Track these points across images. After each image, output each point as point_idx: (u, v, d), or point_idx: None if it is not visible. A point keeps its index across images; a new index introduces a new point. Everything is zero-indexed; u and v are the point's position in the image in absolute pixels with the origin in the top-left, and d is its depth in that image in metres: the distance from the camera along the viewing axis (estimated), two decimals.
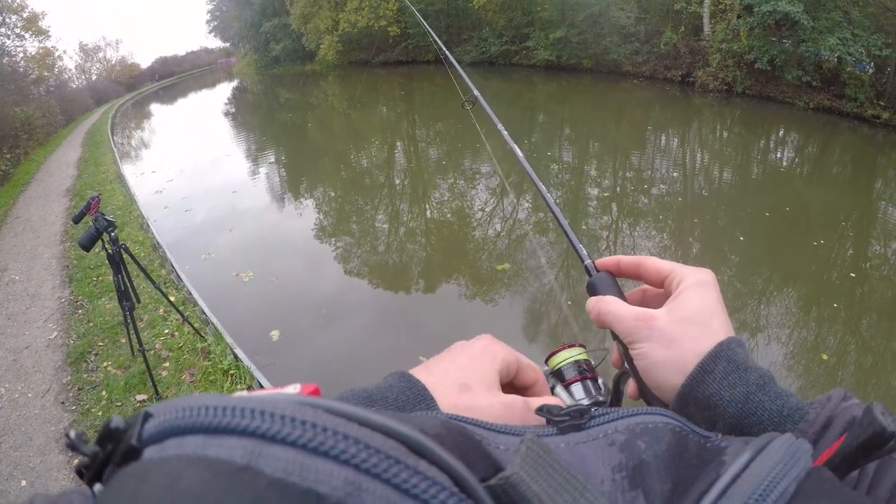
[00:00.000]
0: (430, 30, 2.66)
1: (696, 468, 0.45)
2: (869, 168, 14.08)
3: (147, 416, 0.28)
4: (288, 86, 35.19)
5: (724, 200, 11.32)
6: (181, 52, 76.05)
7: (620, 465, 0.46)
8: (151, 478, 0.24)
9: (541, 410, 0.53)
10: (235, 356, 5.34)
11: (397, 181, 13.09)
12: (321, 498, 0.24)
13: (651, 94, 22.25)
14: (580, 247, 0.82)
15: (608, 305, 0.67)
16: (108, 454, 0.28)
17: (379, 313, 7.03)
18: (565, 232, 0.88)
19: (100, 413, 4.70)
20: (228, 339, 5.60)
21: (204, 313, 6.26)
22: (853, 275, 7.95)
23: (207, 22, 63.87)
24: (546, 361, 0.76)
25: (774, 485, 0.37)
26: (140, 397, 4.85)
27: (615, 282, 0.73)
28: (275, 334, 6.15)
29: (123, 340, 5.65)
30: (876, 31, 16.64)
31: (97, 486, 0.29)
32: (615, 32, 24.70)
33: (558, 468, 0.35)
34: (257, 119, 25.30)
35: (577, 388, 0.72)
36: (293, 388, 0.34)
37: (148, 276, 4.82)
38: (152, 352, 5.42)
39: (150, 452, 0.26)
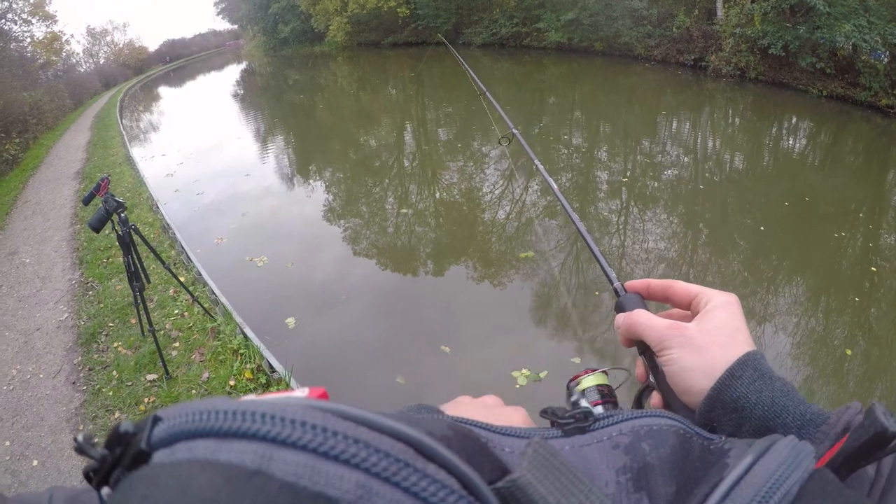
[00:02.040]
0: (467, 68, 2.61)
1: (700, 470, 0.46)
2: (882, 158, 13.96)
3: (156, 420, 0.28)
4: (297, 67, 35.09)
5: (734, 187, 11.27)
6: (189, 35, 76.04)
7: (625, 468, 0.47)
8: (162, 482, 0.24)
9: (545, 412, 0.54)
10: (245, 336, 5.36)
11: (408, 164, 13.08)
12: (332, 502, 0.24)
13: (663, 78, 22.04)
14: (610, 270, 0.87)
15: (640, 317, 0.69)
16: (116, 458, 0.28)
17: (399, 301, 6.91)
18: (596, 257, 0.95)
19: (110, 393, 4.73)
20: (238, 319, 5.62)
21: (214, 294, 6.29)
22: (874, 269, 7.86)
23: (215, 4, 63.43)
24: (568, 385, 0.77)
25: (777, 487, 0.38)
26: (150, 377, 4.88)
27: (643, 302, 0.75)
28: (290, 321, 6.10)
29: (133, 321, 5.69)
30: (893, 19, 16.35)
31: (105, 490, 0.29)
32: (627, 15, 24.43)
33: (565, 470, 0.35)
34: (266, 101, 25.25)
35: (599, 412, 0.72)
36: (301, 392, 0.34)
37: (158, 257, 4.82)
38: (162, 332, 5.46)
39: (159, 456, 0.27)
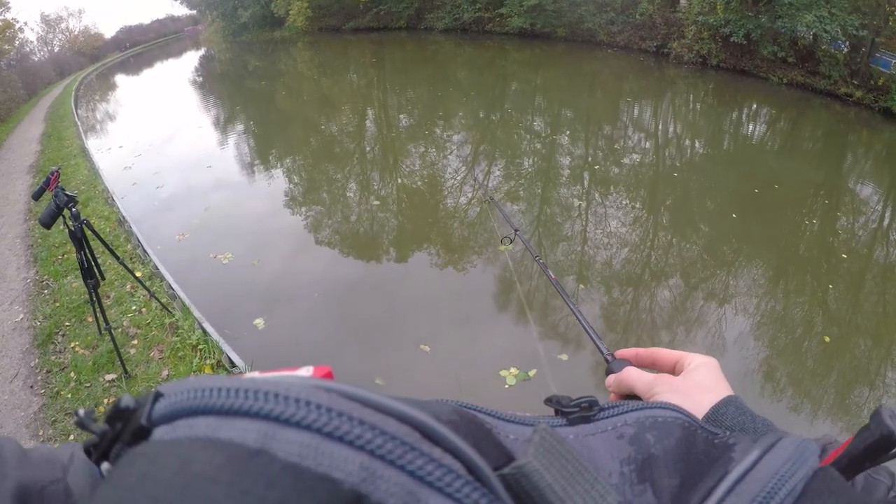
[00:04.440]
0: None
1: (705, 464, 0.45)
2: (840, 144, 14.30)
3: (158, 396, 0.28)
4: (256, 53, 34.56)
5: (695, 171, 11.48)
6: (146, 21, 74.14)
7: (629, 459, 0.47)
8: (162, 460, 0.24)
9: (550, 401, 0.54)
10: (204, 331, 5.28)
11: (376, 153, 12.97)
12: (335, 483, 0.24)
13: (625, 64, 22.27)
14: (601, 342, 0.90)
15: (630, 372, 0.71)
16: (117, 433, 0.29)
17: (373, 299, 6.70)
18: (587, 330, 0.97)
19: (69, 395, 4.61)
20: (197, 314, 5.53)
21: (171, 288, 6.17)
22: (844, 255, 8.05)
23: None
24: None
25: (782, 483, 0.38)
26: (109, 377, 4.77)
27: (631, 365, 0.77)
28: (259, 322, 5.94)
29: (90, 319, 5.53)
30: (853, 11, 16.79)
31: (105, 465, 0.29)
32: (591, 1, 24.58)
33: (571, 459, 0.35)
34: (226, 88, 24.82)
35: None
36: (306, 371, 0.33)
37: (112, 252, 4.69)
38: (120, 330, 5.33)
39: (159, 433, 0.27)
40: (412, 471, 0.26)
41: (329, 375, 0.33)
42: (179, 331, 5.27)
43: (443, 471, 0.27)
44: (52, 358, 5.14)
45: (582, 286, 6.93)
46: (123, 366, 4.72)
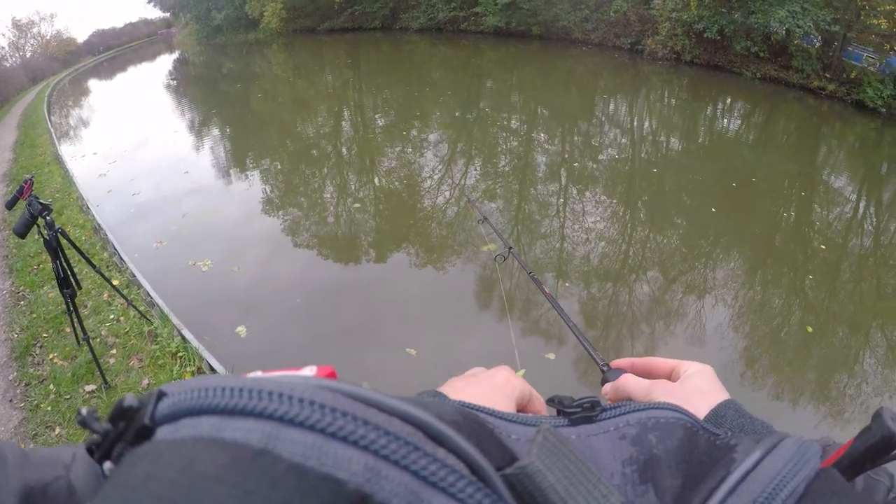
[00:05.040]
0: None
1: (706, 465, 0.45)
2: (814, 137, 14.53)
3: (161, 395, 0.28)
4: (231, 56, 34.29)
5: (673, 166, 11.58)
6: (119, 24, 73.19)
7: (631, 459, 0.47)
8: (165, 459, 0.24)
9: (552, 401, 0.54)
10: (183, 338, 5.25)
11: (353, 155, 12.95)
12: (340, 483, 0.24)
13: (600, 62, 22.44)
14: (596, 353, 0.92)
15: (627, 379, 0.72)
16: (119, 432, 0.28)
17: (356, 304, 6.62)
18: (582, 342, 1.00)
19: (49, 408, 4.56)
20: (175, 321, 5.49)
21: (149, 295, 6.11)
22: (822, 246, 8.17)
23: None
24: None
25: (784, 484, 0.38)
26: (89, 388, 4.72)
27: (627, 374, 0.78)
28: (241, 330, 5.85)
29: (68, 330, 5.46)
30: (825, 6, 17.08)
31: (107, 465, 0.29)
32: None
33: (574, 459, 0.35)
34: (201, 92, 24.55)
35: None
36: (309, 371, 0.33)
37: (88, 261, 4.66)
38: (98, 339, 5.28)
39: (163, 432, 0.26)
40: (416, 471, 0.26)
41: (332, 375, 0.34)
42: (158, 339, 5.23)
43: (446, 471, 0.27)
44: (31, 370, 5.06)
45: (562, 282, 6.96)
46: (103, 376, 4.67)
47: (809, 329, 6.28)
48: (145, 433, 0.27)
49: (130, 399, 0.28)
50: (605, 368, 0.82)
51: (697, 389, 0.64)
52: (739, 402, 0.62)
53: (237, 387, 0.27)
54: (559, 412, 0.52)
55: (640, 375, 0.76)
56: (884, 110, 15.91)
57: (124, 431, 0.28)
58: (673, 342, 6.05)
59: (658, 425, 0.49)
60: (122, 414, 0.28)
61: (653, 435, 0.48)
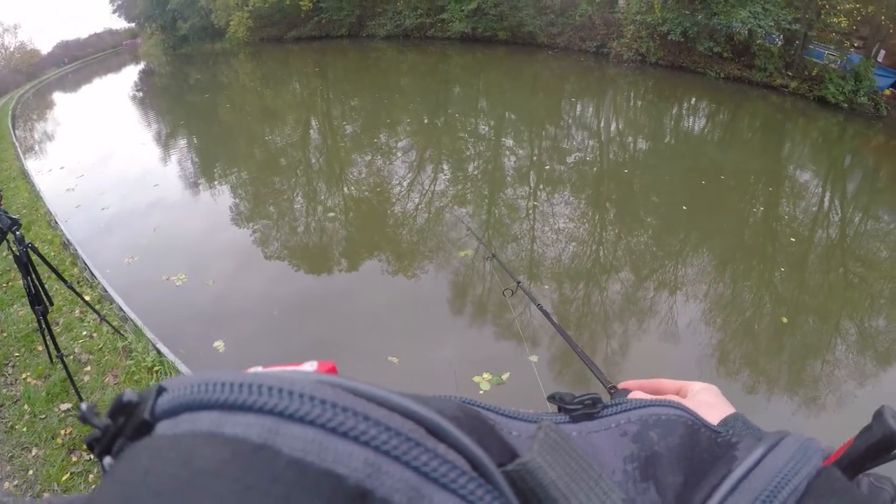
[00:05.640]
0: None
1: (708, 462, 0.46)
2: (779, 133, 14.85)
3: (161, 391, 0.28)
4: (197, 66, 33.94)
5: (642, 166, 11.76)
6: (84, 35, 72.01)
7: (632, 456, 0.46)
8: (165, 454, 0.24)
9: (553, 398, 0.53)
10: (158, 351, 5.20)
11: (315, 161, 12.95)
12: (340, 479, 0.24)
13: (566, 65, 22.61)
14: (601, 373, 0.93)
15: (636, 396, 0.70)
16: (119, 427, 0.28)
17: (333, 314, 6.56)
18: (589, 366, 1.00)
19: (24, 429, 4.47)
20: (150, 335, 5.44)
21: (122, 310, 6.04)
22: (793, 239, 8.34)
23: (111, 1, 60.46)
24: None
25: (786, 482, 0.38)
26: (64, 406, 4.65)
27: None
28: (219, 345, 5.77)
29: (40, 348, 5.36)
30: (786, 6, 17.47)
31: (107, 460, 0.29)
32: (531, 4, 24.93)
33: (575, 455, 0.35)
34: (168, 103, 24.22)
35: None
36: (310, 366, 0.34)
37: (59, 276, 4.60)
38: (71, 357, 5.19)
39: (162, 427, 0.26)
40: (417, 467, 0.26)
41: (333, 370, 0.34)
42: (133, 353, 5.17)
43: (448, 467, 0.27)
44: (4, 391, 4.96)
45: (534, 283, 7.02)
46: (78, 394, 4.62)
47: (785, 320, 6.41)
48: (145, 428, 0.27)
49: (130, 394, 0.29)
50: (612, 391, 0.82)
51: (706, 402, 0.63)
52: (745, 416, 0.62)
53: (237, 382, 0.27)
54: (560, 409, 0.52)
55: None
56: (845, 105, 16.38)
57: (124, 426, 0.28)
58: (663, 340, 6.18)
59: (659, 422, 0.49)
60: (121, 409, 0.29)
61: (654, 432, 0.48)
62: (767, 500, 0.37)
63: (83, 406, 0.30)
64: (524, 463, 0.32)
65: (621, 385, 0.80)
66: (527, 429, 0.45)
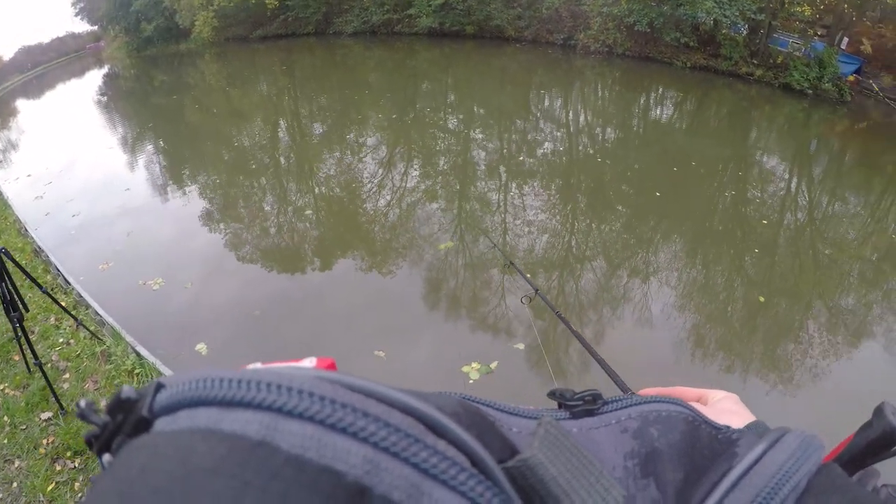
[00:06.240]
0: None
1: (708, 458, 0.45)
2: (746, 120, 15.19)
3: (159, 387, 0.28)
4: (163, 68, 33.39)
5: (612, 155, 11.90)
6: (46, 40, 70.53)
7: (633, 453, 0.46)
8: (163, 451, 0.24)
9: (553, 394, 0.53)
10: (138, 354, 5.18)
11: (284, 162, 12.89)
12: (339, 476, 0.24)
13: (534, 58, 22.77)
14: (622, 381, 0.92)
15: None
16: (118, 424, 0.28)
17: (315, 309, 6.60)
18: (609, 374, 0.99)
19: (5, 441, 4.42)
20: (128, 338, 5.41)
21: (98, 314, 6.00)
22: (764, 221, 8.50)
23: (73, 3, 59.32)
24: None
25: (787, 479, 0.38)
26: (45, 415, 4.59)
27: None
28: (202, 348, 5.70)
29: (17, 357, 5.27)
30: None
31: (106, 457, 0.29)
32: None
33: (576, 452, 0.35)
34: (134, 106, 23.82)
35: None
36: (309, 362, 0.34)
37: (34, 281, 4.53)
38: (49, 364, 5.10)
39: (161, 424, 0.26)
40: (416, 463, 0.26)
41: (332, 366, 0.34)
42: (112, 358, 5.14)
43: (447, 463, 0.27)
44: None
45: (507, 277, 7.02)
46: (59, 402, 4.56)
47: (762, 299, 6.56)
48: (143, 425, 0.27)
49: (128, 391, 0.29)
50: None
51: (728, 409, 0.62)
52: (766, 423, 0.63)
53: (235, 378, 0.27)
54: (560, 405, 0.51)
55: None
56: (810, 91, 16.74)
57: (122, 423, 0.28)
58: (654, 323, 6.28)
59: (660, 418, 0.48)
60: (120, 406, 0.29)
61: (654, 428, 0.48)
62: (768, 497, 0.37)
63: (82, 403, 0.31)
64: (525, 459, 0.32)
65: (641, 392, 0.78)
66: (527, 425, 0.45)
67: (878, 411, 0.43)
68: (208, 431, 0.24)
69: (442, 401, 0.35)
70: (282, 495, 0.22)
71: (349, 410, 0.26)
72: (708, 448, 0.46)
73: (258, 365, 0.32)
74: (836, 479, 0.38)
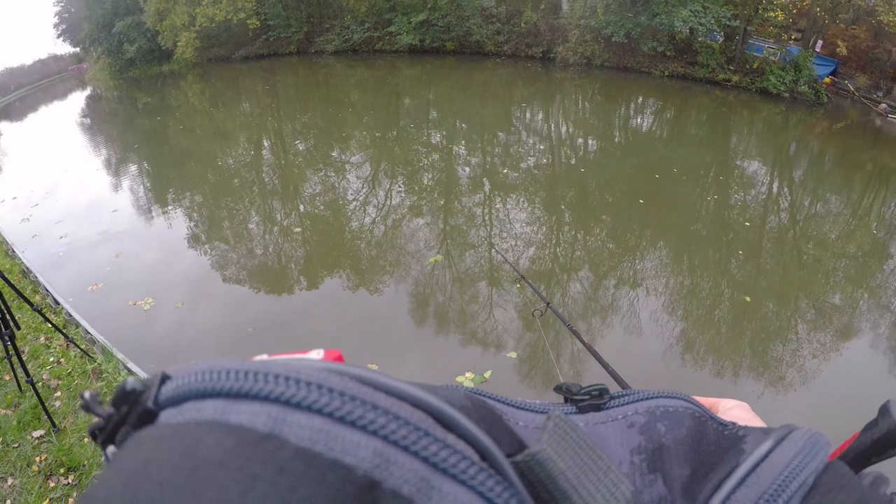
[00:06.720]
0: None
1: (715, 455, 0.45)
2: (725, 125, 15.45)
3: (165, 379, 0.28)
4: (145, 89, 33.26)
5: (595, 165, 12.04)
6: (28, 62, 70.12)
7: (640, 448, 0.46)
8: (168, 443, 0.24)
9: (559, 389, 0.52)
10: (129, 371, 5.19)
11: (268, 180, 12.92)
12: (348, 469, 0.23)
13: (514, 72, 22.99)
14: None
15: None
16: (123, 416, 0.28)
17: (307, 326, 6.59)
18: (618, 381, 1.02)
19: None
20: (119, 355, 5.43)
21: (88, 333, 6.01)
22: (747, 223, 8.63)
23: (55, 25, 58.89)
24: None
25: (794, 476, 0.38)
26: (37, 433, 4.61)
27: None
28: None
29: (8, 377, 5.27)
30: (725, 3, 18.24)
31: (111, 449, 0.29)
32: (477, 14, 25.37)
33: (584, 446, 0.34)
34: (117, 128, 23.71)
35: None
36: (316, 354, 0.34)
37: (24, 298, 4.55)
38: (40, 383, 5.11)
39: (166, 416, 0.26)
40: (426, 457, 0.26)
41: (340, 359, 0.33)
42: (104, 374, 5.17)
43: (457, 457, 0.27)
44: None
45: (495, 289, 7.12)
46: (51, 420, 4.57)
47: (748, 299, 6.68)
48: (149, 417, 0.27)
49: (133, 382, 0.28)
50: None
51: (739, 417, 0.60)
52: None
53: (242, 370, 0.26)
54: (567, 399, 0.51)
55: None
56: (787, 95, 17.17)
57: (127, 415, 0.28)
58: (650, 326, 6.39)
59: (667, 414, 0.48)
60: (125, 397, 0.28)
61: (661, 424, 0.47)
62: (776, 493, 0.37)
63: (86, 394, 0.30)
64: (534, 454, 0.32)
65: None
66: (534, 419, 0.46)
67: (884, 410, 0.43)
68: (215, 423, 0.24)
69: (450, 394, 0.35)
70: (290, 490, 0.22)
71: (358, 403, 0.26)
72: (715, 444, 0.46)
73: (265, 356, 0.31)
74: (843, 478, 0.38)
